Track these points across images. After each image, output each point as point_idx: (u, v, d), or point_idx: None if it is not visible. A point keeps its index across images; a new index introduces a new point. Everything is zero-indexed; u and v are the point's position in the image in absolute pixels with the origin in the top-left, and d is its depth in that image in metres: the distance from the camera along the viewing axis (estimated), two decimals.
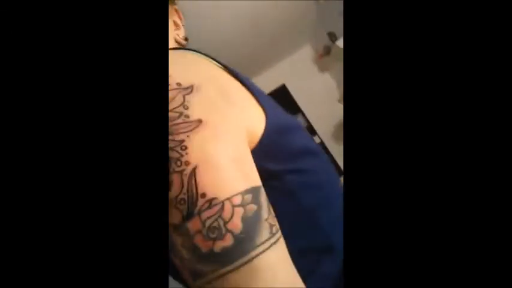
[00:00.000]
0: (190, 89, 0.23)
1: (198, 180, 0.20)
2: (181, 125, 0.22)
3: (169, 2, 0.44)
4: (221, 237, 0.20)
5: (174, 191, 0.20)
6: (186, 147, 0.21)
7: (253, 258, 0.20)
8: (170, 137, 0.21)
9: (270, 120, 0.28)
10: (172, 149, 0.21)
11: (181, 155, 0.21)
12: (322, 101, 2.83)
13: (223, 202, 0.20)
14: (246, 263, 0.19)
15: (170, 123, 0.22)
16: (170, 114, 0.22)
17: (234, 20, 2.00)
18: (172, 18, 0.43)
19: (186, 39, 0.43)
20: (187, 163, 0.21)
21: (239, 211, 0.20)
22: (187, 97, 0.23)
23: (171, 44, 0.40)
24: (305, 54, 3.05)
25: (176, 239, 0.21)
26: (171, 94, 0.23)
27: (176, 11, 0.45)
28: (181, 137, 0.21)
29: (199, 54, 0.31)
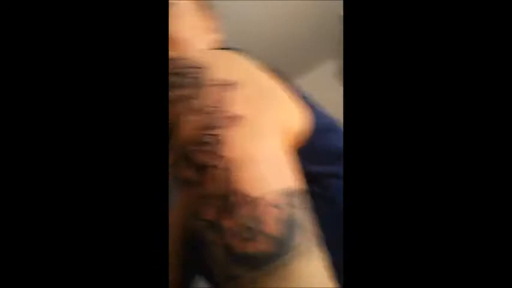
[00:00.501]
0: (229, 85, 0.23)
1: (233, 176, 0.20)
2: (219, 120, 0.21)
3: (206, 6, 0.46)
4: (254, 238, 0.19)
5: (208, 187, 0.20)
6: (222, 143, 0.21)
7: (287, 263, 0.18)
8: (207, 132, 0.21)
9: (311, 120, 0.27)
10: (209, 143, 0.21)
11: (218, 150, 0.20)
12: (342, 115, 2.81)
13: (257, 200, 0.19)
14: (279, 267, 0.18)
15: (208, 118, 0.21)
16: (208, 109, 0.22)
17: (258, 34, 2.05)
18: (208, 22, 0.45)
19: (221, 42, 0.43)
20: (223, 158, 0.20)
21: (274, 212, 0.19)
22: (226, 93, 0.23)
23: (207, 46, 0.41)
24: (328, 69, 3.05)
25: (209, 236, 0.20)
26: (210, 90, 0.22)
27: (211, 16, 0.46)
28: (218, 131, 0.21)
29: (239, 53, 0.31)
